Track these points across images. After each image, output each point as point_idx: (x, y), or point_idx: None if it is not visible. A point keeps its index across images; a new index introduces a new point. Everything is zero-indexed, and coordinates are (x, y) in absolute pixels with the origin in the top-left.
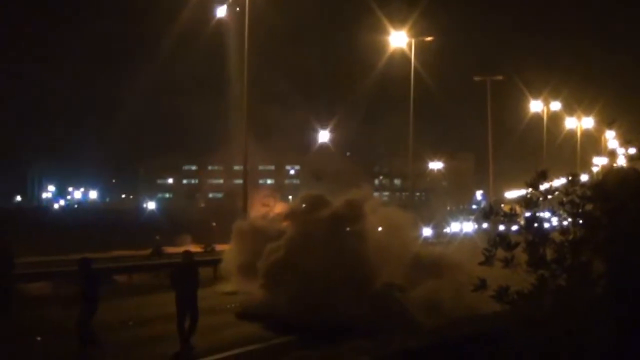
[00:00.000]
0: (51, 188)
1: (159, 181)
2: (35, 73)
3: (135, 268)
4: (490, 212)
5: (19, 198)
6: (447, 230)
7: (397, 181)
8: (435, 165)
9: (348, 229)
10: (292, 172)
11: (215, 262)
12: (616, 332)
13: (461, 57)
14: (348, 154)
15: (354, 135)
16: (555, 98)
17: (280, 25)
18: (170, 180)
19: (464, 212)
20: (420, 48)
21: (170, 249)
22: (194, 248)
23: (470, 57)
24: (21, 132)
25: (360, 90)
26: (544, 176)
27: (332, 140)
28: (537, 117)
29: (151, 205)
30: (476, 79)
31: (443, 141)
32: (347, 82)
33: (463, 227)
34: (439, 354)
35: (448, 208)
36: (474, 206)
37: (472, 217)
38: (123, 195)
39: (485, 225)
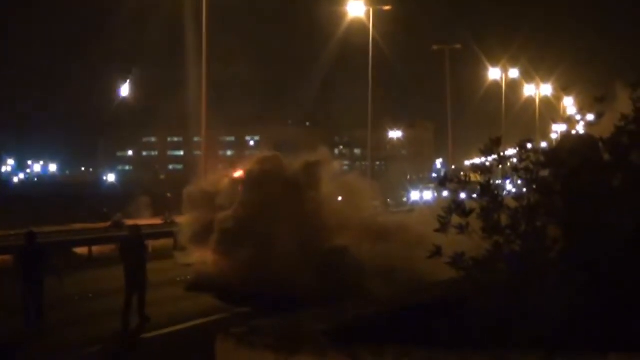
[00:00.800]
0: (10, 162)
1: (119, 153)
2: None
3: (94, 241)
4: (445, 179)
5: None
6: (406, 199)
7: (357, 151)
8: (395, 134)
9: (303, 193)
10: (251, 143)
11: (174, 234)
12: (569, 296)
13: (419, 26)
14: (307, 124)
15: (313, 105)
16: (513, 66)
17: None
18: (130, 153)
19: (423, 181)
20: (379, 17)
21: (130, 221)
22: (154, 220)
23: (428, 25)
24: None
25: (320, 61)
26: (497, 143)
27: (291, 111)
28: (496, 85)
29: (111, 177)
30: (435, 47)
31: (403, 111)
32: (306, 52)
33: (423, 195)
34: (396, 320)
35: (408, 177)
36: (434, 175)
37: (432, 186)
38: (83, 168)
39: (446, 193)
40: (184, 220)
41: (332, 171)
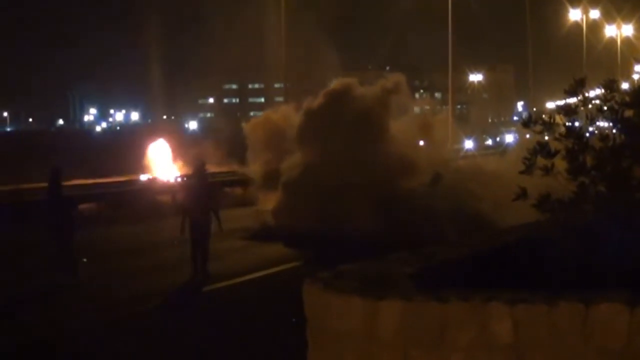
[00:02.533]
0: (93, 111)
1: (200, 101)
2: None
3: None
4: (529, 121)
5: (61, 121)
6: (489, 142)
7: (437, 95)
8: (475, 77)
9: (378, 127)
10: None
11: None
12: None
13: None
14: (388, 68)
15: (392, 50)
16: (594, 6)
17: None
18: (211, 100)
19: (505, 124)
20: None
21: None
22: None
23: None
24: (61, 55)
25: (398, 4)
26: (582, 83)
27: (371, 57)
28: (577, 27)
29: (192, 124)
30: None
31: (482, 54)
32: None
33: (505, 138)
34: (482, 262)
35: (489, 120)
36: (515, 118)
37: (514, 129)
38: (165, 116)
39: (528, 136)
40: (252, 165)
41: (408, 99)
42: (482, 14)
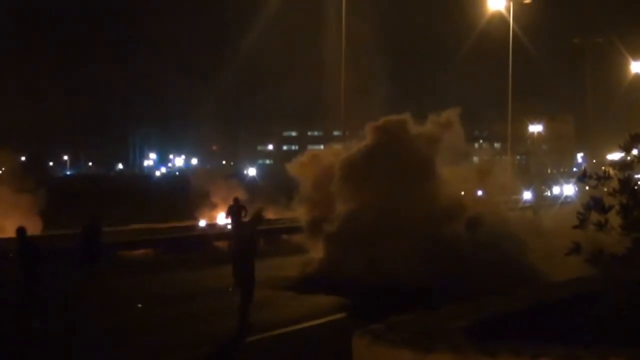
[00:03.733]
0: (152, 155)
1: (259, 147)
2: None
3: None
4: (584, 175)
5: (120, 166)
6: (548, 193)
7: (497, 145)
8: (535, 128)
9: (428, 169)
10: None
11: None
12: None
13: (560, 17)
14: None
15: (451, 99)
16: None
17: None
18: (270, 147)
19: (564, 175)
20: (519, 9)
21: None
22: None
23: (570, 17)
24: (124, 100)
25: (458, 54)
26: (637, 139)
27: (430, 104)
28: (638, 79)
29: (251, 171)
30: (575, 41)
31: (543, 104)
32: (445, 46)
33: (564, 190)
34: (533, 317)
35: (549, 171)
36: (575, 169)
37: (573, 180)
38: (224, 162)
39: (587, 188)
40: (299, 210)
41: (460, 139)
42: (544, 65)
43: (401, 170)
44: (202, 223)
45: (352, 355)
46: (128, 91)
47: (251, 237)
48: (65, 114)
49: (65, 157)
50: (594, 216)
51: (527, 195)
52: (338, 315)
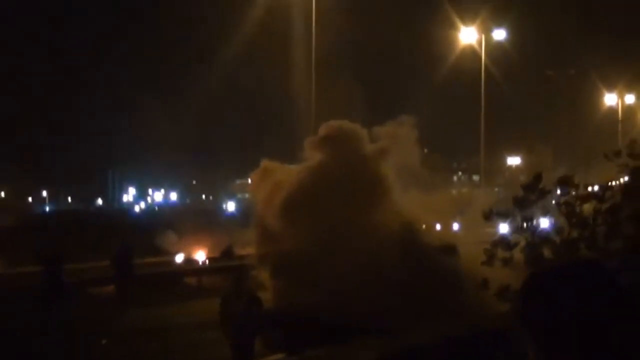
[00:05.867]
0: (132, 190)
1: (238, 181)
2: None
3: (205, 270)
4: (490, 215)
5: (99, 201)
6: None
7: (475, 177)
8: (513, 160)
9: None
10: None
11: None
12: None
13: (533, 51)
14: (425, 150)
15: (427, 132)
16: (630, 91)
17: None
18: (250, 180)
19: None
20: (491, 44)
21: (242, 251)
22: None
23: (543, 50)
24: (102, 136)
25: (431, 85)
26: (539, 179)
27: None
28: (613, 111)
29: (230, 206)
30: (548, 73)
31: (518, 137)
32: (417, 78)
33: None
34: (443, 349)
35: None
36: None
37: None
38: (203, 196)
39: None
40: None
41: (414, 149)
42: (518, 96)
43: (348, 193)
44: (179, 258)
45: None
46: (108, 125)
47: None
48: (42, 148)
49: (44, 193)
50: (500, 253)
51: (504, 228)
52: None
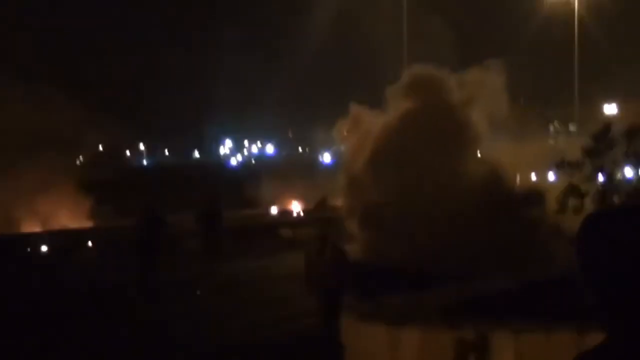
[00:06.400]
0: (228, 143)
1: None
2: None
3: (298, 222)
4: (562, 164)
5: (197, 154)
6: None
7: (572, 127)
8: (610, 109)
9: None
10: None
11: None
12: None
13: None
14: (522, 100)
15: (524, 82)
16: None
17: None
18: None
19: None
20: None
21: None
22: None
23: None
24: (198, 88)
25: (524, 37)
26: (608, 129)
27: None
28: None
29: (326, 158)
30: None
31: (617, 84)
32: (509, 27)
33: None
34: (505, 297)
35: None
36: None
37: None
38: (300, 149)
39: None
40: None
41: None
42: (612, 43)
43: (435, 142)
44: (274, 211)
45: (343, 332)
46: (202, 77)
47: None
48: (140, 102)
49: (142, 147)
50: (572, 202)
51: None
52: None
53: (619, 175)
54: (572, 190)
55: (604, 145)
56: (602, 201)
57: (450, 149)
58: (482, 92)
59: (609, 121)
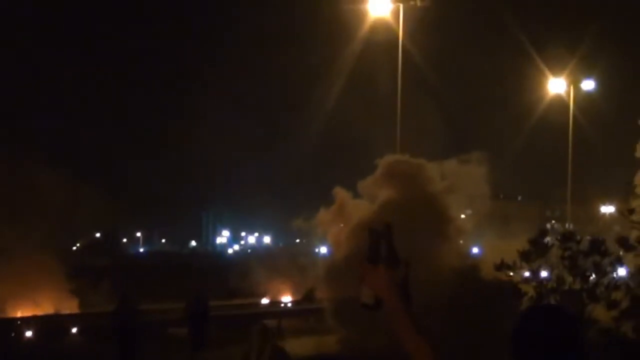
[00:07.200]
0: (225, 233)
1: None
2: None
3: (285, 313)
4: (501, 266)
5: (193, 243)
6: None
7: (569, 226)
8: (607, 209)
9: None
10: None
11: None
12: None
13: (623, 101)
14: (519, 198)
15: (520, 180)
16: None
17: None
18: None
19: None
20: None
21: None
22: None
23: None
24: (198, 176)
25: (519, 137)
26: (544, 234)
27: (501, 185)
28: None
29: (323, 249)
30: None
31: (612, 187)
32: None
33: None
34: None
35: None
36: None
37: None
38: (297, 240)
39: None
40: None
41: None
42: (610, 147)
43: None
44: (265, 301)
45: None
46: (200, 170)
47: None
48: (138, 192)
49: (139, 234)
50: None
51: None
52: None
53: (554, 277)
54: (513, 292)
55: (539, 249)
56: (539, 301)
57: (430, 241)
58: (462, 183)
59: (544, 228)
